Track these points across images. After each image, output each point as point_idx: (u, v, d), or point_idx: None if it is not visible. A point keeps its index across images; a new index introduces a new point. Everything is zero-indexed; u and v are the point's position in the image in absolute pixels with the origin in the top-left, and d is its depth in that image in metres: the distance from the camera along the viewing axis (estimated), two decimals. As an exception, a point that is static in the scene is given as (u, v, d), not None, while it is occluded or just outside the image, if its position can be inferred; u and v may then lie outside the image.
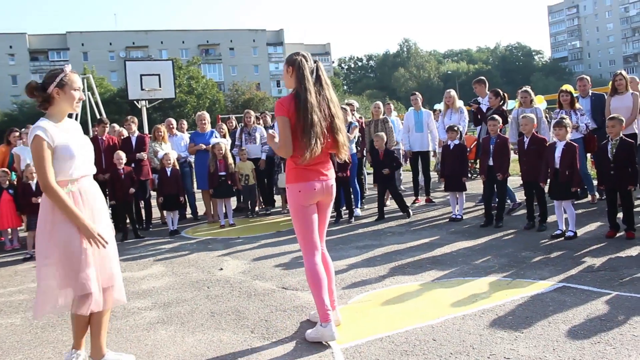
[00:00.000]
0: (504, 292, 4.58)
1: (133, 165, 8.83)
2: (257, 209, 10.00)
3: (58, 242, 3.23)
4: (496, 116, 7.75)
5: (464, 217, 8.10)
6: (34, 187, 7.67)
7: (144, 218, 9.23)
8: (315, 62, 3.79)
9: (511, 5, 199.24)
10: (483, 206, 8.21)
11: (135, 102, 18.23)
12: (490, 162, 7.50)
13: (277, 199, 10.42)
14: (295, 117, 3.63)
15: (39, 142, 3.19)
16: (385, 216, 8.59)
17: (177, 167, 9.07)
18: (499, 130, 7.56)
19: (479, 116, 8.51)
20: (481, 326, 3.84)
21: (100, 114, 18.64)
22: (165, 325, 4.36)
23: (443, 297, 4.58)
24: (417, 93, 10.14)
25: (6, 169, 8.41)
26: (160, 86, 16.66)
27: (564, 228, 6.44)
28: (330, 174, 3.89)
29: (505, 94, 8.65)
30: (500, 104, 8.31)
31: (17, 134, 9.06)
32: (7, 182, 8.17)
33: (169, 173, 8.74)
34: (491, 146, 7.52)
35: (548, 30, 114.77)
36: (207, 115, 9.99)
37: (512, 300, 4.33)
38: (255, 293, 5.08)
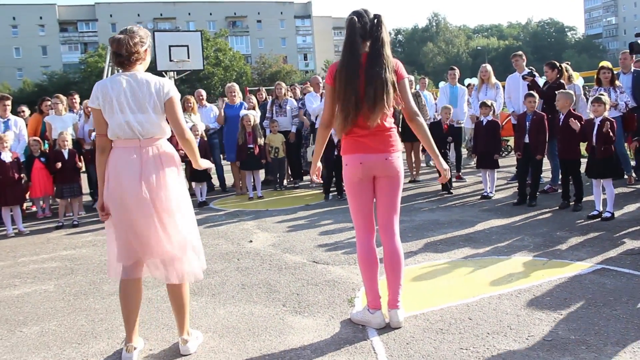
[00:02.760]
0: (540, 272, 4.47)
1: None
2: (285, 182, 9.96)
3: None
4: (533, 92, 7.54)
5: (496, 194, 7.95)
6: (66, 156, 7.71)
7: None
8: (375, 17, 3.37)
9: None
10: (515, 184, 8.05)
11: (163, 73, 18.23)
12: (526, 140, 7.32)
13: (306, 171, 10.36)
14: (335, 83, 3.40)
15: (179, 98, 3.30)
16: (415, 192, 8.49)
17: (205, 139, 9.05)
18: (536, 106, 7.36)
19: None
20: (518, 306, 3.75)
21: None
22: (196, 297, 4.36)
23: (477, 276, 4.49)
24: (455, 68, 10.05)
25: (38, 138, 8.47)
26: (188, 57, 16.62)
27: (601, 209, 6.27)
28: (386, 146, 3.44)
29: (563, 65, 8.29)
30: (558, 77, 8.00)
31: (49, 102, 9.10)
32: (39, 151, 8.24)
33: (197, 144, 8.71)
34: (527, 123, 7.33)
35: (582, 6, 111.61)
36: (236, 87, 9.91)
37: (549, 281, 4.22)
38: (285, 266, 5.05)
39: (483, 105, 8.04)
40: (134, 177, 3.11)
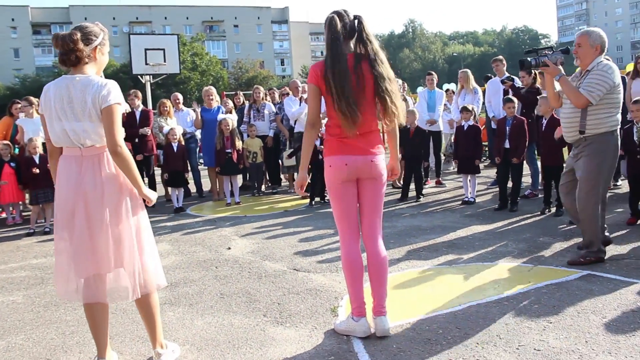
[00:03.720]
0: (526, 278, 4.39)
1: (137, 140, 8.61)
2: (263, 187, 9.80)
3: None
4: (512, 97, 7.53)
5: (477, 200, 7.90)
6: (37, 161, 7.46)
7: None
8: (355, 17, 3.31)
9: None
10: (495, 189, 8.02)
11: (139, 77, 17.93)
12: (506, 145, 7.28)
13: (284, 177, 10.22)
14: (323, 84, 3.25)
15: (121, 106, 2.98)
16: (395, 197, 8.39)
17: (183, 143, 8.86)
18: (515, 111, 7.34)
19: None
20: (506, 314, 3.65)
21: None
22: (173, 307, 4.18)
23: (463, 283, 4.39)
24: (433, 73, 10.01)
25: (8, 142, 8.20)
26: (165, 61, 16.37)
27: (583, 214, 6.24)
28: (373, 148, 3.35)
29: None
30: (533, 82, 8.00)
31: (19, 105, 8.82)
32: (9, 155, 7.96)
33: (175, 149, 8.52)
34: (507, 128, 7.29)
35: (555, 14, 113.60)
36: (214, 90, 9.74)
37: (536, 288, 4.13)
38: (265, 274, 4.90)
39: (464, 110, 7.99)
40: (71, 188, 2.93)
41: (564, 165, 6.82)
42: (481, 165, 8.43)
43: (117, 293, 3.00)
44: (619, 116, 4.65)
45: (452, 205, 7.74)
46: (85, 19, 68.36)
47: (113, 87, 2.95)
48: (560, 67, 4.75)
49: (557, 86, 4.90)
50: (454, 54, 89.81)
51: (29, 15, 69.39)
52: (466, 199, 7.83)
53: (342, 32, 3.26)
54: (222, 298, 4.33)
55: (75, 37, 2.92)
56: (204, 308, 4.13)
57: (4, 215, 8.49)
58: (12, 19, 67.78)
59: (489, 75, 10.81)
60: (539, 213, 6.81)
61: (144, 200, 3.11)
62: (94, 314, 3.07)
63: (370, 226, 3.45)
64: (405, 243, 5.74)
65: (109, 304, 3.12)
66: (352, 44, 3.32)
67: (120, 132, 2.93)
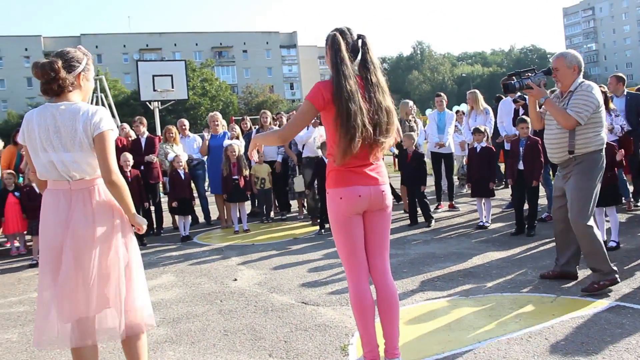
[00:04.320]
0: (549, 311, 4.11)
1: (142, 167, 8.46)
2: (272, 214, 9.58)
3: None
4: (526, 117, 7.28)
5: (492, 224, 7.62)
6: (38, 191, 7.30)
7: (154, 223, 8.80)
8: (359, 37, 3.06)
9: (526, 7, 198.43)
10: (510, 212, 7.74)
11: (147, 103, 17.95)
12: (520, 166, 7.04)
13: (293, 203, 10.00)
14: (333, 106, 2.95)
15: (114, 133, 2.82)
16: (407, 222, 8.13)
17: (187, 170, 8.69)
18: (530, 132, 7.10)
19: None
20: (530, 353, 3.38)
21: (113, 116, 18.36)
22: (174, 345, 3.94)
23: (481, 317, 4.12)
24: (442, 94, 9.74)
25: (12, 171, 8.08)
26: (172, 87, 16.37)
27: (606, 238, 5.95)
28: (382, 177, 3.13)
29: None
30: None
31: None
32: (13, 185, 7.83)
33: (182, 176, 8.35)
34: (521, 149, 7.05)
35: (563, 33, 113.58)
36: (219, 116, 9.57)
37: (561, 322, 3.85)
38: (272, 308, 4.65)
39: (476, 131, 7.76)
40: (60, 224, 2.71)
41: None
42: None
43: (103, 334, 2.78)
44: (604, 134, 4.60)
45: (467, 230, 7.47)
46: (97, 47, 69.49)
47: (104, 113, 2.78)
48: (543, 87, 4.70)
49: (538, 107, 4.85)
50: (463, 75, 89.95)
51: (41, 44, 70.35)
52: (481, 224, 7.56)
53: (347, 53, 3.02)
54: (225, 335, 4.09)
55: (57, 66, 2.74)
56: (206, 347, 3.89)
57: (8, 245, 8.33)
58: (25, 49, 68.75)
59: (500, 95, 10.59)
60: (558, 237, 6.52)
61: (134, 227, 2.90)
62: (83, 358, 2.84)
63: (379, 260, 3.21)
64: (418, 272, 5.46)
65: (98, 346, 2.89)
66: (356, 66, 3.06)
67: (114, 160, 2.76)
